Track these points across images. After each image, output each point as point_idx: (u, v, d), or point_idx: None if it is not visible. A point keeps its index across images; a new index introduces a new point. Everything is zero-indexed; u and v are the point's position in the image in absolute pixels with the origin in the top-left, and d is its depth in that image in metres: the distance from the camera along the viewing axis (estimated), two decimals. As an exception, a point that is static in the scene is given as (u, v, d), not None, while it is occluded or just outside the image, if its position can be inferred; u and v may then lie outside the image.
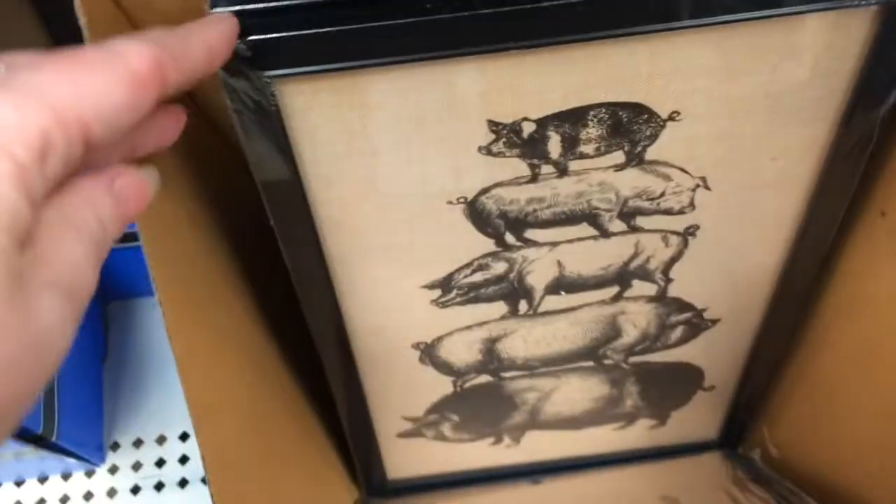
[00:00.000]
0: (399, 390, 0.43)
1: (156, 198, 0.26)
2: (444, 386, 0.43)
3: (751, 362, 0.46)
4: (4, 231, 0.18)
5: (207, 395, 0.36)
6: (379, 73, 0.28)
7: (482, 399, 0.45)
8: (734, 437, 0.52)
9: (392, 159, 0.31)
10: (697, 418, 0.50)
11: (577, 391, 0.46)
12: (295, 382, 0.47)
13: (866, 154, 0.33)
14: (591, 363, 0.43)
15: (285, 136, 0.29)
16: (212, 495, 0.34)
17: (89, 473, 0.56)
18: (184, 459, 0.57)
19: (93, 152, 0.21)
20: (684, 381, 0.47)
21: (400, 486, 0.51)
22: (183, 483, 0.56)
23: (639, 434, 0.51)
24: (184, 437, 0.57)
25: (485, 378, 0.43)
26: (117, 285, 0.59)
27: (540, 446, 0.50)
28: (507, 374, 0.43)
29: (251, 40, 0.25)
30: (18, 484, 0.56)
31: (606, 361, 0.43)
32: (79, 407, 0.54)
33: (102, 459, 0.56)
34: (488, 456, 0.51)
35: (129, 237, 0.52)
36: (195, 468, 0.56)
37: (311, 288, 0.35)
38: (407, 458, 0.49)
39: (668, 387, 0.47)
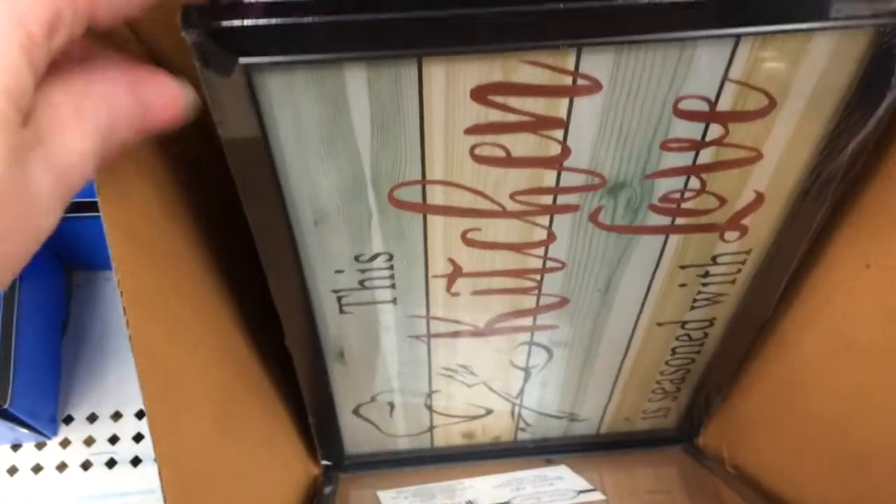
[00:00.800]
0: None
1: (119, 163, 0.26)
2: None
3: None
4: (9, 101, 0.18)
5: (162, 371, 0.35)
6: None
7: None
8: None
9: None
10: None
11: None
12: (255, 356, 0.47)
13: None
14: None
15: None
16: (160, 470, 0.33)
17: (40, 446, 0.55)
18: (138, 437, 0.56)
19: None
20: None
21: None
22: (136, 461, 0.55)
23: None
24: (140, 414, 0.56)
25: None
26: (82, 255, 0.58)
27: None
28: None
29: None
30: (-34, 453, 0.55)
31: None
32: (35, 376, 0.53)
33: (55, 432, 0.55)
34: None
35: (94, 206, 0.51)
36: (149, 447, 0.55)
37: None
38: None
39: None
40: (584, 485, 0.48)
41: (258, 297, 0.46)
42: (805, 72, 0.30)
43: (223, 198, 0.47)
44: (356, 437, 0.49)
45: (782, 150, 0.33)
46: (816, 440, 0.42)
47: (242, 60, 0.26)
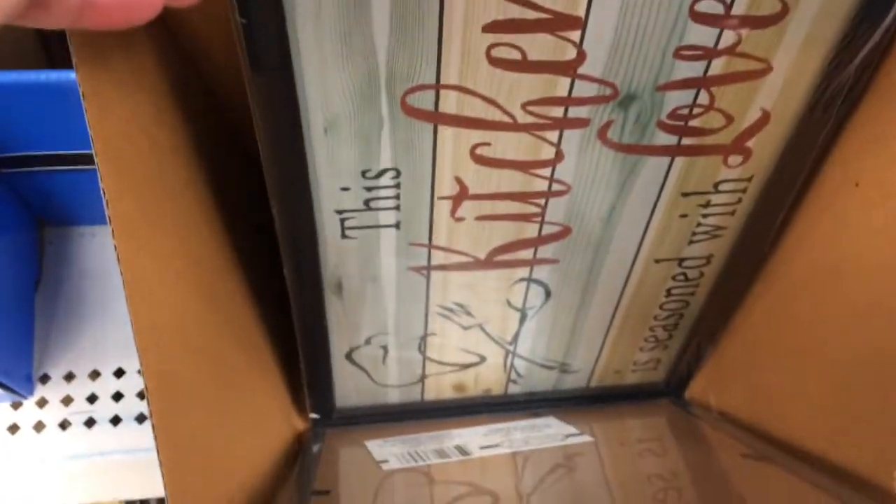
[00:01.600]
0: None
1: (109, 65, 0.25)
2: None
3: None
4: None
5: (154, 319, 0.34)
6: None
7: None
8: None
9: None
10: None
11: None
12: (246, 300, 0.46)
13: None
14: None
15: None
16: (153, 426, 0.32)
17: (16, 406, 0.53)
18: (117, 396, 0.54)
19: None
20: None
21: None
22: (115, 421, 0.53)
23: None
24: (118, 373, 0.54)
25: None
26: (55, 211, 0.56)
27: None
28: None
29: None
30: (-63, 414, 0.53)
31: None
32: (8, 333, 0.51)
33: (31, 392, 0.53)
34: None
35: (67, 159, 0.50)
36: (128, 406, 0.54)
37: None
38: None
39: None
40: (573, 430, 0.47)
41: (253, 235, 0.45)
42: (818, -24, 0.30)
43: (221, 116, 0.46)
44: (347, 386, 0.48)
45: (791, 63, 0.33)
46: (802, 370, 0.42)
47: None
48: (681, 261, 0.43)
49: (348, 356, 0.46)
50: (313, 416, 0.50)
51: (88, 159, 0.49)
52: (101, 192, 0.31)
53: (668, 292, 0.45)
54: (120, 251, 0.32)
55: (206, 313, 0.41)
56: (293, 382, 0.50)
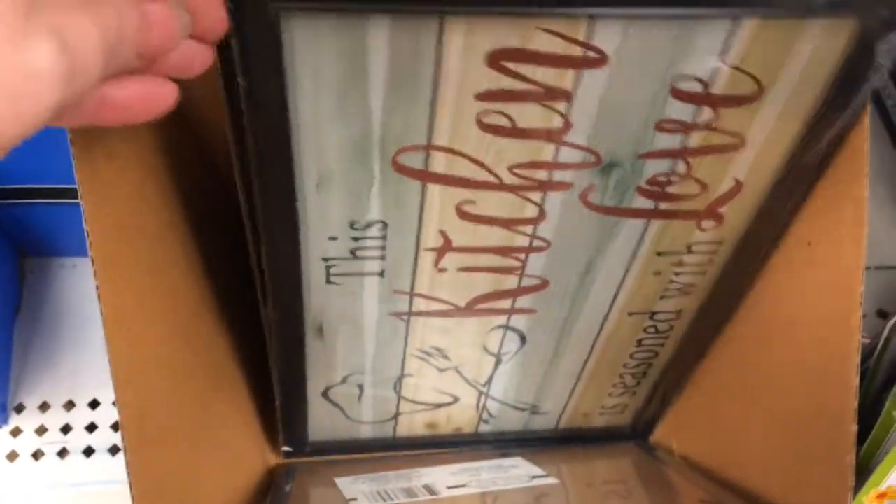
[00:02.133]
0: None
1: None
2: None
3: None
4: None
5: (131, 355, 0.35)
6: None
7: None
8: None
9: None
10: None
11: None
12: (225, 344, 0.47)
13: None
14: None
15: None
16: (126, 461, 0.33)
17: (-11, 433, 0.53)
18: (91, 427, 0.54)
19: None
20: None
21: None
22: (88, 452, 0.53)
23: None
24: (93, 404, 0.55)
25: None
26: (36, 241, 0.56)
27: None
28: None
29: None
30: None
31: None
32: (-15, 362, 0.51)
33: (5, 421, 0.53)
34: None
35: (48, 193, 0.51)
36: (102, 437, 0.54)
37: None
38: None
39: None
40: (539, 472, 0.49)
41: (233, 275, 0.46)
42: (793, 60, 0.32)
43: (208, 168, 0.47)
44: (321, 422, 0.49)
45: (764, 138, 0.35)
46: (759, 418, 0.44)
47: (274, 4, 0.26)
48: (652, 314, 0.44)
49: (324, 394, 0.47)
50: (286, 448, 0.50)
51: (69, 193, 0.50)
52: (85, 232, 0.32)
53: (639, 343, 0.47)
54: (101, 289, 0.33)
55: (184, 350, 0.42)
56: (267, 417, 0.51)
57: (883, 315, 0.60)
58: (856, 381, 0.35)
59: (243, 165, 0.33)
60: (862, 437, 0.44)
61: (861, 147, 0.34)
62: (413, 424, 0.51)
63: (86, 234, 0.31)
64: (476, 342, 0.45)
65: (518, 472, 0.49)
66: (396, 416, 0.50)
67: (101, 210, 0.32)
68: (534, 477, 0.48)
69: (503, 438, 0.53)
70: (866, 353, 0.52)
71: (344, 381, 0.46)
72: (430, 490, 0.46)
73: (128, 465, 0.32)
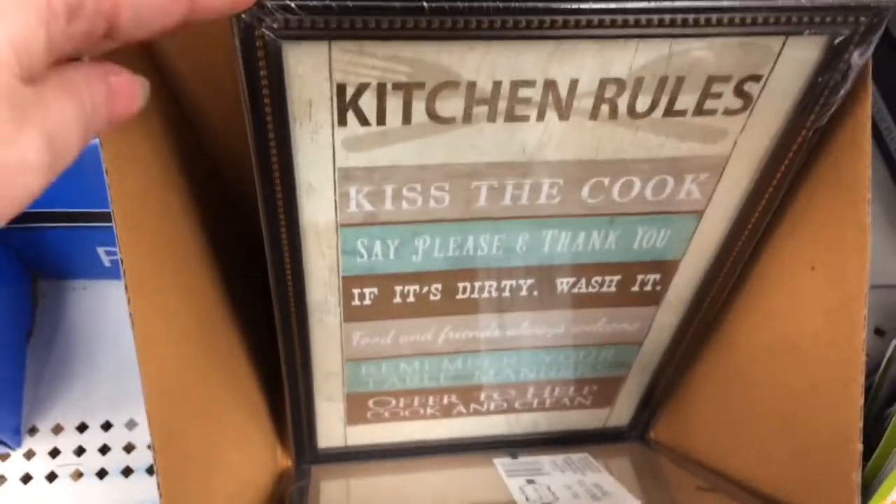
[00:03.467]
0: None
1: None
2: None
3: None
4: (15, 55, 0.19)
5: (162, 382, 0.36)
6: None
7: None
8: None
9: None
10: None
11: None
12: (243, 356, 0.48)
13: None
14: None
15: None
16: (159, 483, 0.34)
17: (3, 457, 0.54)
18: (104, 450, 0.55)
19: (110, 39, 0.22)
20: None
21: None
22: (101, 474, 0.54)
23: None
24: (106, 426, 0.55)
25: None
26: (49, 264, 0.57)
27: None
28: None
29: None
30: (-78, 464, 0.53)
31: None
32: (-1, 384, 0.52)
33: (19, 443, 0.54)
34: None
35: (62, 217, 0.51)
36: (116, 459, 0.55)
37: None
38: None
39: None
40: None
41: (248, 288, 0.47)
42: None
43: (221, 180, 0.48)
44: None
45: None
46: (765, 439, 0.44)
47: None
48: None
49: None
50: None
51: (82, 217, 0.51)
52: (119, 260, 0.33)
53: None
54: (134, 316, 0.34)
55: (207, 368, 0.43)
56: (280, 426, 0.52)
57: (880, 333, 0.61)
58: (860, 401, 0.36)
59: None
60: (865, 455, 0.45)
61: (863, 173, 0.35)
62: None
63: (119, 262, 0.32)
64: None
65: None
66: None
67: (134, 236, 0.33)
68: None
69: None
70: (867, 372, 0.53)
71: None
72: None
73: (159, 486, 0.33)
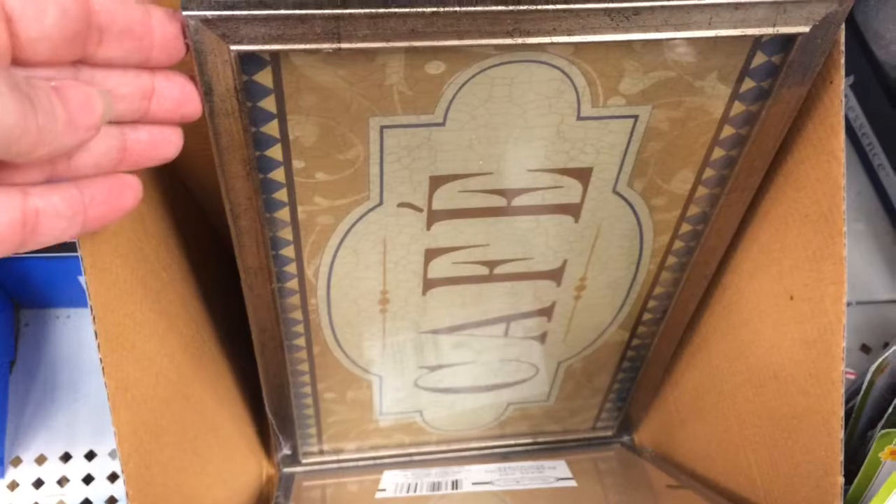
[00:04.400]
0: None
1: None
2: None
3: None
4: None
5: (136, 425, 0.36)
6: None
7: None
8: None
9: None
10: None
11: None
12: (222, 358, 0.48)
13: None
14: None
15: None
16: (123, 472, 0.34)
17: (-14, 488, 0.54)
18: (88, 479, 0.55)
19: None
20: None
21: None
22: (85, 504, 0.54)
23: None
24: (90, 455, 0.55)
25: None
26: (31, 294, 0.57)
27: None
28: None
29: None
30: None
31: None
32: (-18, 416, 0.52)
33: (2, 474, 0.54)
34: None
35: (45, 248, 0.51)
36: (99, 489, 0.54)
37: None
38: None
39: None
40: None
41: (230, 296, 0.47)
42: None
43: (197, 212, 0.48)
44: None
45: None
46: (747, 468, 0.45)
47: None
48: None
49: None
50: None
51: (64, 246, 0.50)
52: (89, 307, 0.32)
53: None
54: (105, 363, 0.33)
55: (183, 410, 0.42)
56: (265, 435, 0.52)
57: (866, 350, 0.61)
58: (841, 434, 0.36)
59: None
60: (848, 477, 0.45)
61: (838, 205, 0.35)
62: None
63: (90, 309, 0.32)
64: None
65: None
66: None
67: (104, 283, 0.33)
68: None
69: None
70: (852, 391, 0.53)
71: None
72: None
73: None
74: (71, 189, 0.26)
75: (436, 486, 0.48)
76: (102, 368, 0.33)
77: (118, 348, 0.34)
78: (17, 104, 0.21)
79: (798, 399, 0.39)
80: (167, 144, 0.29)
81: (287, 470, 0.52)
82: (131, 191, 0.28)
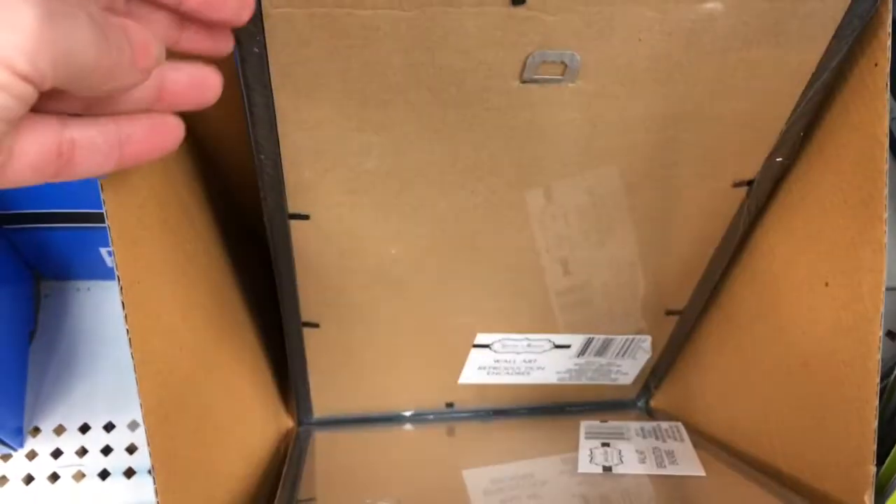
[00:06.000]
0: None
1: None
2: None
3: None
4: None
5: (161, 395, 0.35)
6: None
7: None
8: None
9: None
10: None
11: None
12: (246, 331, 0.49)
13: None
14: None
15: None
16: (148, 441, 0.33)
17: (6, 457, 0.53)
18: (107, 450, 0.55)
19: None
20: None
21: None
22: (104, 475, 0.54)
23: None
24: (108, 427, 0.55)
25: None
26: (52, 265, 0.57)
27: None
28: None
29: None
30: (-73, 464, 0.53)
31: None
32: (1, 385, 0.51)
33: (21, 444, 0.54)
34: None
35: (65, 217, 0.51)
36: (118, 459, 0.54)
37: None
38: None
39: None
40: None
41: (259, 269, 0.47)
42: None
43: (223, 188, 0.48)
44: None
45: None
46: (778, 459, 0.44)
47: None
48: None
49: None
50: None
51: (85, 217, 0.50)
52: (116, 278, 0.32)
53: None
54: (132, 335, 0.33)
55: (205, 383, 0.42)
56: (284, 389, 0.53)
57: (892, 336, 0.60)
58: (874, 424, 0.35)
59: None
60: (880, 458, 0.45)
61: (879, 191, 0.34)
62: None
63: (117, 280, 0.32)
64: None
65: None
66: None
67: (132, 255, 0.33)
68: None
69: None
70: (883, 373, 0.52)
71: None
72: None
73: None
74: (109, 124, 0.26)
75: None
76: (129, 340, 0.32)
77: (144, 320, 0.34)
78: (99, 38, 0.21)
79: (829, 388, 0.39)
80: (205, 88, 0.28)
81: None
82: (172, 133, 0.28)
